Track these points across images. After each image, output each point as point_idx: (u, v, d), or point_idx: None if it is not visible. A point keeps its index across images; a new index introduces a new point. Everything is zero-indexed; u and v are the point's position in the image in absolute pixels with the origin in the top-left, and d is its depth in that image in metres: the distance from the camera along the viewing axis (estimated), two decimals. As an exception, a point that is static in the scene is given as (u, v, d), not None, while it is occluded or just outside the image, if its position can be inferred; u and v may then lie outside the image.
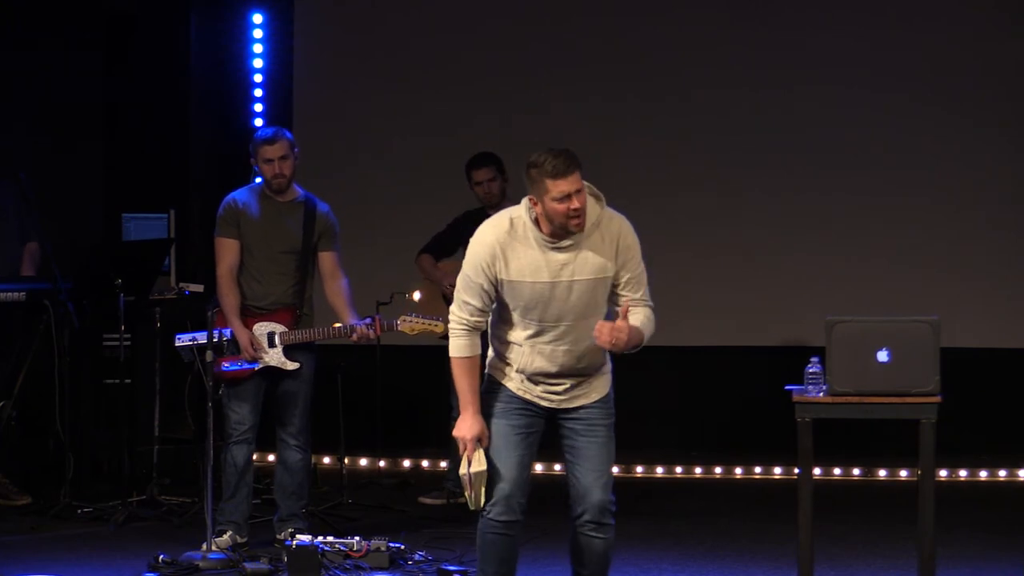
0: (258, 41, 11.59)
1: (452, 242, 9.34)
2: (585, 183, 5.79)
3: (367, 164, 11.46)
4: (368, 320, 8.01)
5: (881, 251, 10.98)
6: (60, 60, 10.81)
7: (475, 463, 5.82)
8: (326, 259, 8.12)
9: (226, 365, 7.90)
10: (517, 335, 5.91)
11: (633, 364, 11.10)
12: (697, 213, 11.13)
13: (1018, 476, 10.47)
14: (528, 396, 5.93)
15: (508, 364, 5.95)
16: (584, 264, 5.81)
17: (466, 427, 5.87)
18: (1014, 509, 9.52)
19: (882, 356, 6.66)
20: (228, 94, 11.63)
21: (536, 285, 5.80)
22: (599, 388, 6.00)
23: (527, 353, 5.89)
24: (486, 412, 5.94)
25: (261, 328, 7.98)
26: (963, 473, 10.44)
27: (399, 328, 8.07)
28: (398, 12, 11.54)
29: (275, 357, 7.97)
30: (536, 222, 5.81)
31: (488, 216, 9.37)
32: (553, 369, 5.89)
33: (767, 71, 11.08)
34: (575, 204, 5.70)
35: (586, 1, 11.39)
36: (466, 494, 5.87)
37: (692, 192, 11.13)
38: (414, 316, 8.08)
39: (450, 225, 9.44)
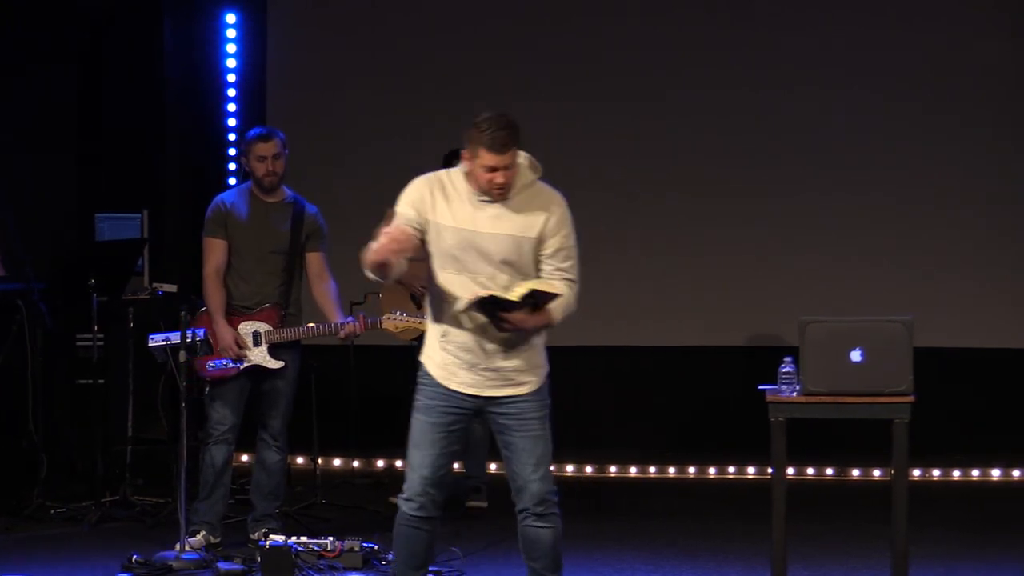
0: (231, 41, 11.57)
1: None
2: (524, 154, 5.89)
3: (340, 164, 11.44)
4: (351, 319, 8.04)
5: (880, 252, 10.98)
6: (34, 61, 10.76)
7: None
8: (313, 260, 8.15)
9: (211, 365, 7.91)
10: (439, 291, 5.93)
11: (606, 364, 11.09)
12: (695, 213, 11.10)
13: (991, 476, 10.50)
14: (452, 383, 5.96)
15: (433, 333, 5.97)
16: (510, 220, 5.88)
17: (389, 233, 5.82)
18: (986, 508, 9.56)
19: (855, 356, 6.68)
20: (202, 94, 11.61)
21: (461, 232, 5.86)
22: (531, 380, 6.01)
23: (448, 312, 5.90)
24: (413, 402, 6.01)
25: (246, 327, 7.99)
26: (936, 473, 10.47)
27: (383, 326, 8.10)
28: (372, 13, 11.53)
29: (259, 355, 7.97)
30: (467, 176, 5.91)
31: None
32: (472, 325, 5.88)
33: (767, 71, 11.09)
34: (499, 180, 5.82)
35: (585, 1, 11.38)
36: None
37: (690, 192, 11.11)
38: (399, 314, 8.11)
39: None
